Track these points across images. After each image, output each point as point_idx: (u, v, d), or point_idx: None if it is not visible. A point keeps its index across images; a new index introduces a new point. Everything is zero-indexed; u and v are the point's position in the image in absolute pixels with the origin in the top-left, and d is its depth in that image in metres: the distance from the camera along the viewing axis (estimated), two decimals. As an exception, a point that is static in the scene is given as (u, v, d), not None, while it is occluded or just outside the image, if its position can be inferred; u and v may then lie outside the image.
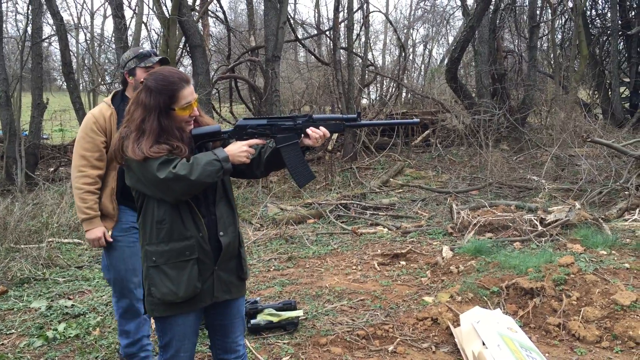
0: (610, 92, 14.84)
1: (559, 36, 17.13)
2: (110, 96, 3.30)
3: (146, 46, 15.53)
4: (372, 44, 20.18)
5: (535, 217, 6.12)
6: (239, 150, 2.34)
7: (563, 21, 16.92)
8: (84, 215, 3.15)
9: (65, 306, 4.63)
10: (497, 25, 14.10)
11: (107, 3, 18.71)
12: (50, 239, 6.48)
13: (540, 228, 5.88)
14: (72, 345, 3.93)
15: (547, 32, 17.01)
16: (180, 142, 2.29)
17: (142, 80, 3.14)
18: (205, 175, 2.22)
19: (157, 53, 3.30)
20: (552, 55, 17.12)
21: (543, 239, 5.70)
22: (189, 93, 2.31)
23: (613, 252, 5.07)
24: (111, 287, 3.35)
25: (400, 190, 9.60)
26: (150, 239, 2.34)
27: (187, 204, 2.31)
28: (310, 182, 2.58)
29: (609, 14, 15.65)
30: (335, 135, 11.85)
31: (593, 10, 16.64)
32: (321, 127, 2.42)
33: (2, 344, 4.00)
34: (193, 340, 2.46)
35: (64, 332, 4.10)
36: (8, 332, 4.22)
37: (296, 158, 2.43)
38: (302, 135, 2.43)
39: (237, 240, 2.45)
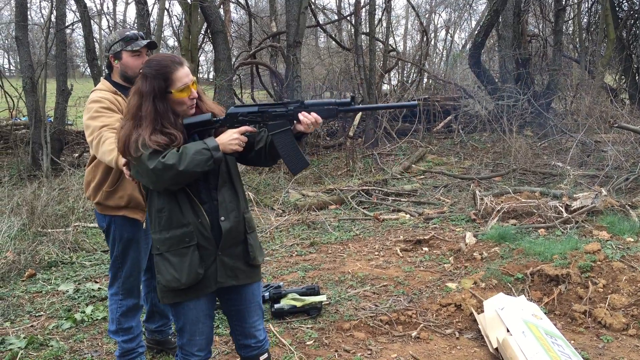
0: (637, 77, 14.52)
1: (585, 20, 16.77)
2: (100, 83, 3.10)
3: (167, 32, 15.57)
4: (393, 29, 20.01)
5: (560, 204, 6.04)
6: (229, 138, 2.32)
7: (589, 4, 16.54)
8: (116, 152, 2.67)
9: (92, 289, 4.72)
10: (521, 9, 13.84)
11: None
12: (76, 224, 6.60)
13: (565, 215, 5.81)
14: (99, 328, 4.01)
15: (573, 15, 16.66)
16: (174, 129, 2.30)
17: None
18: (194, 165, 2.22)
19: (144, 36, 3.13)
20: (577, 39, 16.79)
21: (568, 225, 5.63)
22: (184, 74, 2.32)
23: (640, 239, 4.99)
24: (116, 283, 3.19)
25: (422, 177, 9.55)
26: (154, 227, 2.37)
27: (184, 191, 2.32)
28: (304, 169, 2.53)
29: (637, -3, 15.27)
30: (356, 121, 11.79)
31: (621, -7, 16.24)
32: (313, 113, 2.37)
33: (32, 326, 4.10)
34: (208, 324, 2.47)
35: (91, 314, 4.19)
36: (37, 314, 4.32)
37: (289, 145, 2.39)
38: (295, 121, 2.39)
39: (241, 226, 2.43)
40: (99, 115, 2.93)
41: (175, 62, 2.32)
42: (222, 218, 2.36)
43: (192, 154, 2.22)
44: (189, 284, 2.33)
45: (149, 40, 3.07)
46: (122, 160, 2.55)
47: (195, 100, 2.38)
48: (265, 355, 2.60)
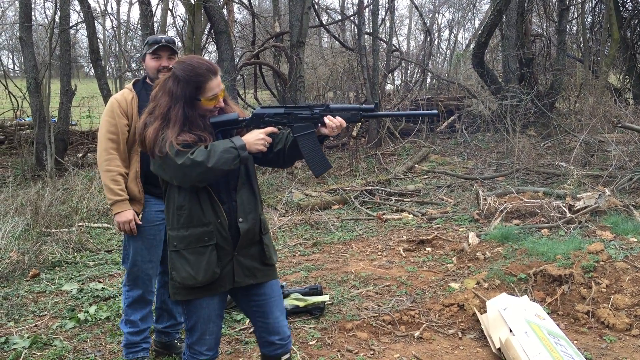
0: (641, 77, 14.46)
1: (589, 19, 16.71)
2: (132, 82, 3.34)
3: (171, 33, 15.62)
4: (397, 29, 20.01)
5: (564, 204, 6.03)
6: (256, 138, 2.36)
7: (593, 4, 16.49)
8: (116, 197, 3.12)
9: (96, 289, 4.73)
10: (525, 9, 13.81)
11: (132, -10, 18.79)
12: (80, 224, 6.61)
13: (568, 215, 5.80)
14: (103, 327, 4.02)
15: (576, 15, 16.62)
16: (203, 132, 2.33)
17: (166, 66, 3.18)
18: (221, 163, 2.24)
19: (172, 40, 3.28)
20: (581, 39, 16.74)
21: (572, 225, 5.62)
22: (216, 85, 2.34)
23: (644, 239, 4.97)
24: (126, 274, 3.35)
25: (426, 177, 9.54)
26: (172, 224, 2.38)
27: (206, 190, 2.34)
28: (326, 171, 2.58)
29: (641, -4, 15.21)
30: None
31: (625, -8, 16.17)
32: (338, 117, 2.43)
33: (36, 326, 4.11)
34: (218, 324, 2.49)
35: (95, 314, 4.20)
36: (41, 314, 4.33)
37: (313, 147, 2.44)
38: (319, 124, 2.44)
39: (257, 227, 2.46)
40: (106, 121, 3.20)
41: (211, 71, 2.33)
42: (240, 219, 2.38)
43: (220, 151, 2.25)
44: (205, 283, 2.34)
45: (159, 44, 3.20)
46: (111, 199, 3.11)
47: (218, 108, 2.41)
48: (287, 356, 2.56)
